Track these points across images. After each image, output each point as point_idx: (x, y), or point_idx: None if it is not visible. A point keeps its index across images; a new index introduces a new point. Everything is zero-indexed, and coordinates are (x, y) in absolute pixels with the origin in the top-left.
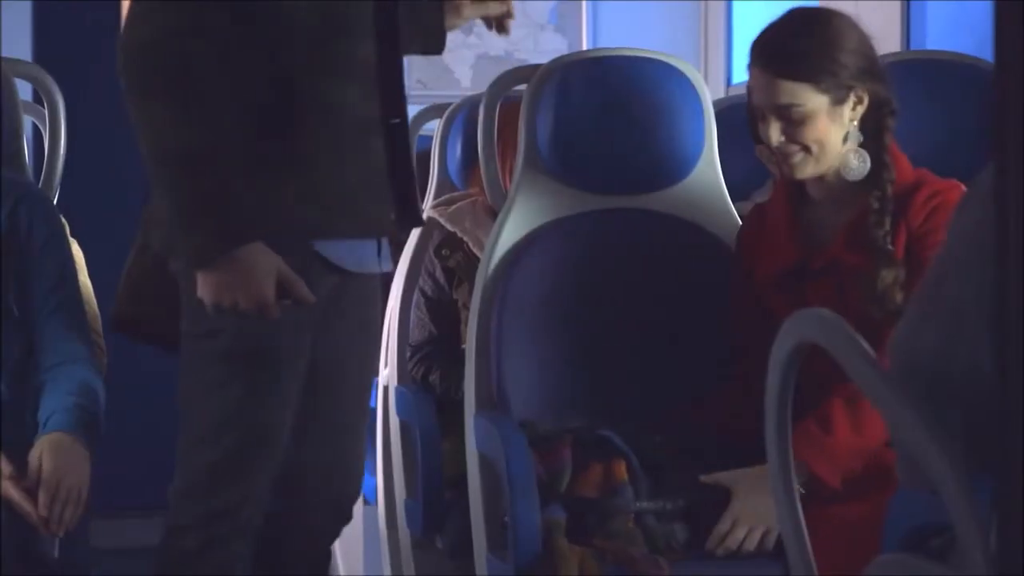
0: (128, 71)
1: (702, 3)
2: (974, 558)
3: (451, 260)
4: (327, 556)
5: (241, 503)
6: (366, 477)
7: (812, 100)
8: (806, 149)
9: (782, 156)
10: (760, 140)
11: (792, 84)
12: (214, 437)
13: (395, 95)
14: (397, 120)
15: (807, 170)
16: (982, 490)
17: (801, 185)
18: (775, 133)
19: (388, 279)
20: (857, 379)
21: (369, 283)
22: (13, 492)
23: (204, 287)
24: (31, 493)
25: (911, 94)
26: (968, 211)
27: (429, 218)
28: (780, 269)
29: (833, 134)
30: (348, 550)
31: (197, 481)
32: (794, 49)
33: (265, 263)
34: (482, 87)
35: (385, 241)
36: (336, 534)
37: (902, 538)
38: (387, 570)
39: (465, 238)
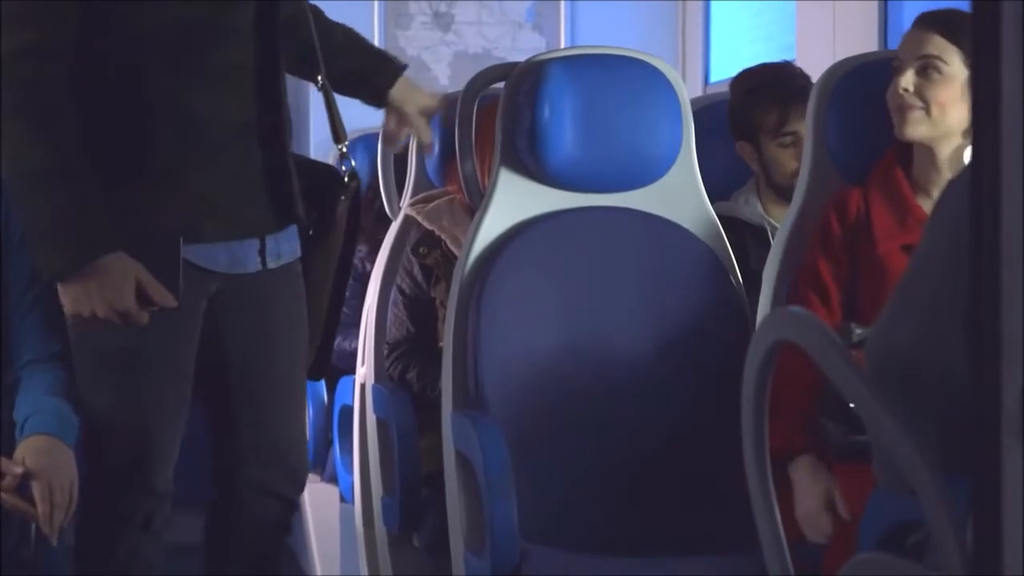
0: None
1: (680, 2)
2: (950, 557)
3: (429, 258)
4: (277, 547)
5: (130, 502)
6: (342, 475)
7: (955, 64)
8: (926, 108)
9: (901, 108)
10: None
11: (944, 41)
12: (96, 429)
13: (271, 96)
14: (269, 120)
15: (919, 129)
16: (958, 489)
17: (909, 173)
18: (905, 82)
19: (366, 275)
20: (833, 377)
21: (262, 281)
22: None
23: (63, 298)
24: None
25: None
26: (943, 210)
27: (407, 216)
28: (915, 241)
29: (956, 109)
30: (325, 548)
31: (92, 476)
32: (959, 17)
33: (121, 272)
34: (459, 85)
35: (278, 239)
36: (284, 521)
37: (879, 536)
38: (364, 567)
39: (443, 236)
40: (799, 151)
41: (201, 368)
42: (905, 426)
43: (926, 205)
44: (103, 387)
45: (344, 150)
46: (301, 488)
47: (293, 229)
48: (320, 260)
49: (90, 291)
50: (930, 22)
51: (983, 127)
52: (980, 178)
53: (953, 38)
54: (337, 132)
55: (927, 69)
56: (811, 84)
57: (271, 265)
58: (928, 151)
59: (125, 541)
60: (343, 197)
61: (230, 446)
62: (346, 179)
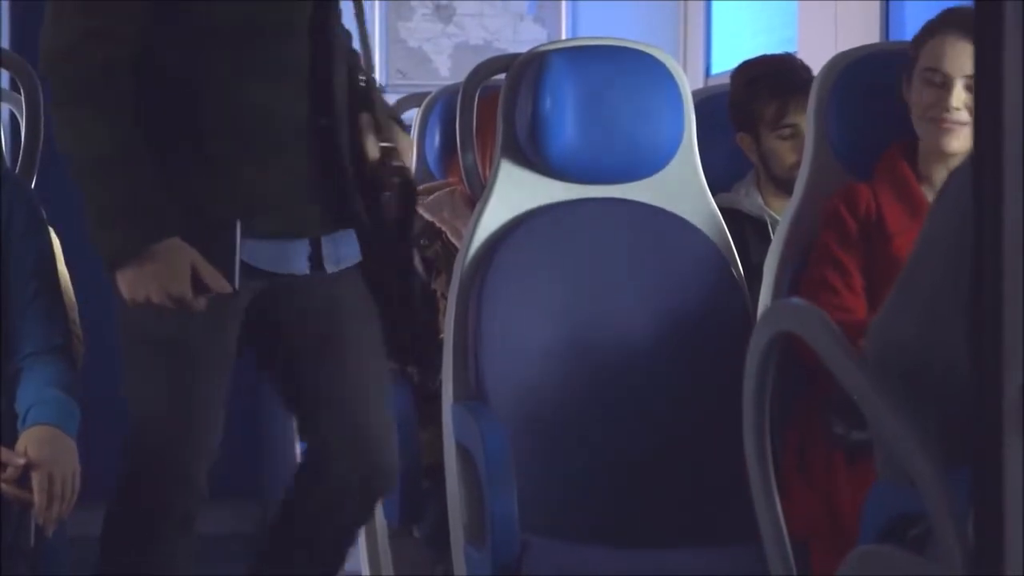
0: (47, 75)
1: None
2: (951, 550)
3: (429, 250)
4: (350, 538)
5: (168, 494)
6: None
7: None
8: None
9: (952, 125)
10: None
11: None
12: (138, 423)
13: (325, 96)
14: (325, 121)
15: (966, 144)
16: (959, 482)
17: (913, 164)
18: (957, 100)
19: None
20: (835, 369)
21: (320, 283)
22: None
23: (120, 284)
24: (18, 485)
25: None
26: (944, 202)
27: None
28: None
29: None
30: None
31: (128, 469)
32: None
33: (177, 257)
34: (461, 77)
35: (336, 242)
36: (361, 518)
37: (880, 529)
38: (364, 560)
39: (443, 228)
40: (798, 144)
41: (275, 371)
42: (906, 418)
43: (931, 194)
44: (146, 376)
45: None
46: (391, 481)
47: (351, 233)
48: (372, 259)
49: (146, 276)
50: (970, 32)
51: (986, 121)
52: (982, 171)
53: None
54: (380, 128)
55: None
56: (812, 76)
57: (329, 269)
58: (940, 148)
59: (162, 540)
60: (387, 192)
61: (315, 445)
62: (391, 173)
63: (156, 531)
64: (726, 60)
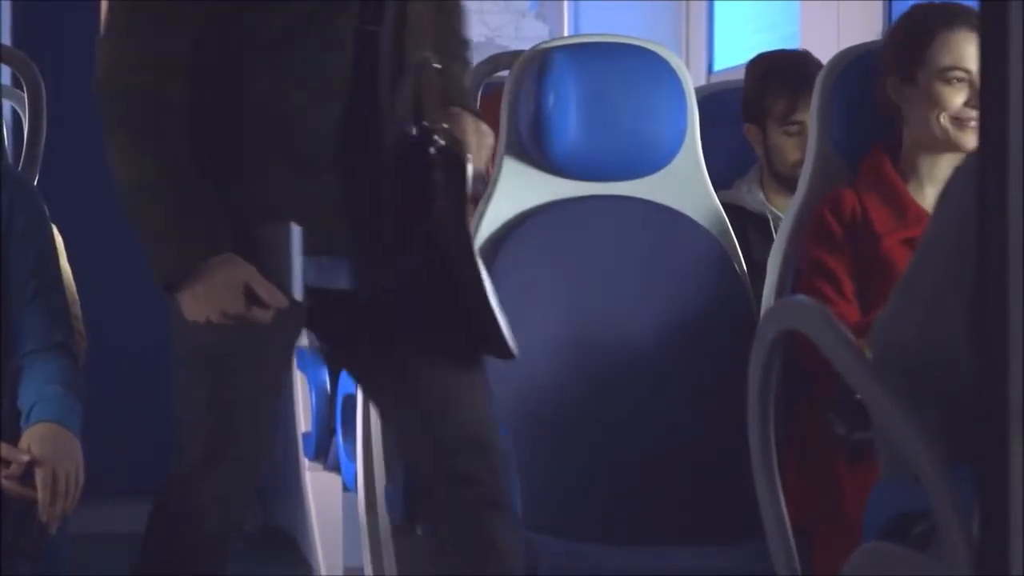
0: (100, 106)
1: None
2: (956, 547)
3: None
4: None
5: (203, 513)
6: (345, 464)
7: None
8: None
9: (962, 122)
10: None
11: None
12: (181, 436)
13: (369, 114)
14: (369, 139)
15: (974, 140)
16: (962, 479)
17: (895, 164)
18: (971, 97)
19: None
20: (839, 366)
21: (373, 294)
22: (8, 483)
23: (181, 307)
24: (21, 482)
25: None
26: (948, 200)
27: None
28: (915, 234)
29: None
30: (327, 537)
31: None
32: None
33: (229, 274)
34: None
35: (377, 260)
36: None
37: (884, 526)
38: (366, 556)
39: None
40: (803, 141)
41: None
42: (910, 416)
43: (918, 195)
44: (191, 390)
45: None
46: (496, 474)
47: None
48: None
49: (199, 296)
50: None
51: (991, 120)
52: (987, 169)
53: None
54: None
55: None
56: None
57: (376, 284)
58: (932, 151)
59: (199, 554)
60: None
61: (413, 451)
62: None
63: (192, 543)
64: (729, 57)
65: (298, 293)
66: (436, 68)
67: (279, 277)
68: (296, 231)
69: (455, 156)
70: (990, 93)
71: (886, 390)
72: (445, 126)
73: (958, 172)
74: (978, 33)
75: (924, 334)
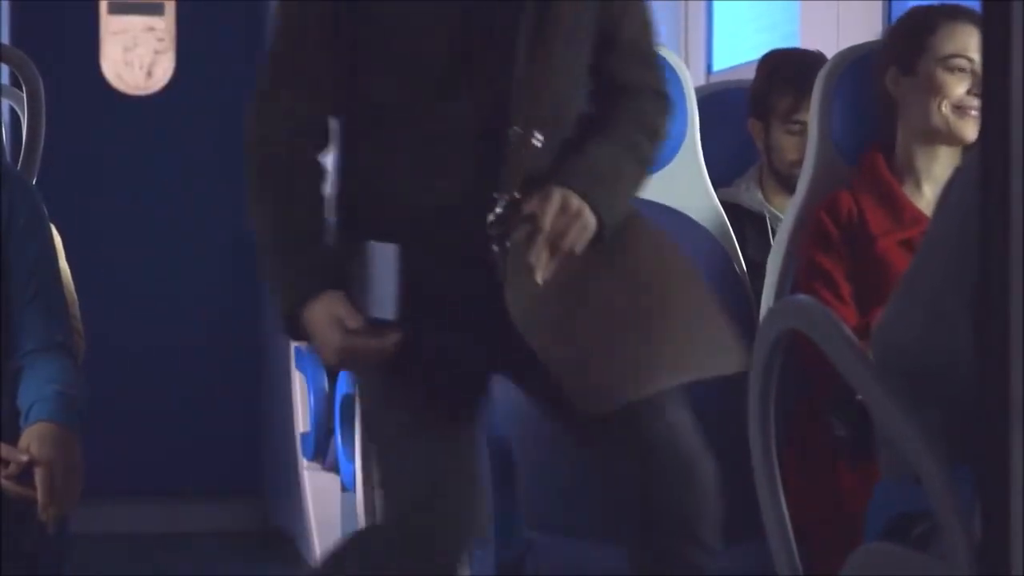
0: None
1: None
2: (957, 546)
3: None
4: None
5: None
6: (344, 464)
7: None
8: None
9: (963, 110)
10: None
11: None
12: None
13: (489, 167)
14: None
15: (977, 132)
16: (963, 479)
17: (891, 164)
18: (972, 86)
19: None
20: (840, 367)
21: None
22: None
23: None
24: (20, 481)
25: None
26: (949, 201)
27: None
28: (912, 235)
29: None
30: (325, 536)
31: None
32: None
33: (320, 317)
34: None
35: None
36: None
37: (884, 527)
38: None
39: None
40: (803, 142)
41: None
42: (911, 416)
43: (914, 195)
44: (382, 447)
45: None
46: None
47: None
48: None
49: (315, 343)
50: None
51: (992, 120)
52: (988, 170)
53: None
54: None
55: None
56: None
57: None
58: (929, 145)
59: None
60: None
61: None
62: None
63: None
64: (728, 57)
65: (390, 312)
66: (530, 141)
67: (388, 294)
68: (395, 250)
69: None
70: (992, 93)
71: (887, 390)
72: (524, 203)
73: (958, 172)
74: (980, 32)
75: (925, 335)
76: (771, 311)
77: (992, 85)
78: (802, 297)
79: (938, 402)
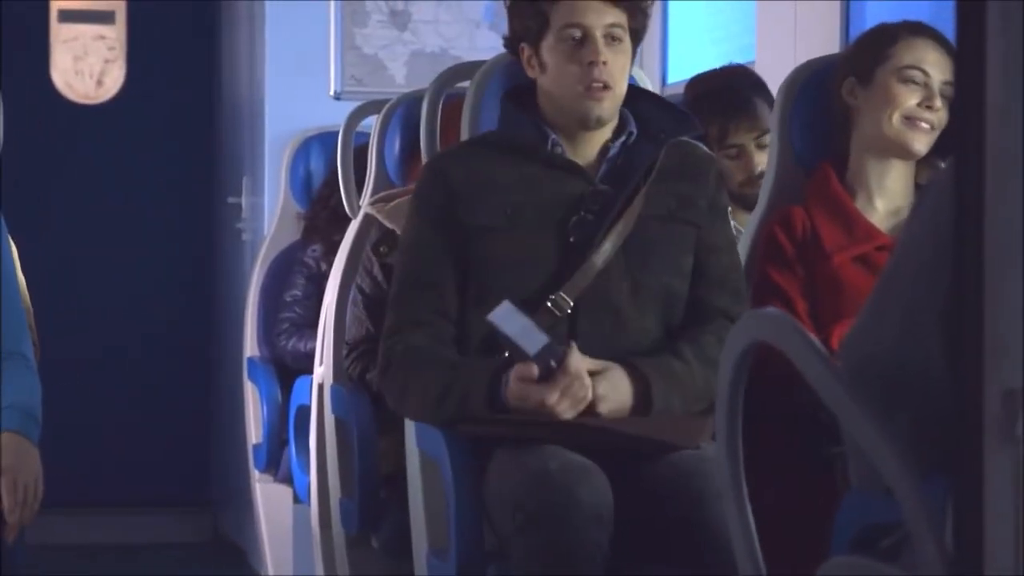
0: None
1: None
2: (928, 558)
3: (389, 257)
4: None
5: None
6: (298, 476)
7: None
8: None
9: (928, 124)
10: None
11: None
12: None
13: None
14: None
15: (928, 146)
16: (935, 490)
17: (843, 179)
18: (937, 99)
19: (320, 275)
20: (810, 378)
21: None
22: None
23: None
24: None
25: None
26: (920, 213)
27: (367, 215)
28: (866, 250)
29: None
30: (277, 548)
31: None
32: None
33: (514, 392)
34: (416, 84)
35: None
36: None
37: (852, 539)
38: (319, 568)
39: None
40: (745, 162)
41: None
42: (883, 427)
43: (866, 209)
44: None
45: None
46: None
47: None
48: None
49: (540, 413)
50: (946, 45)
51: (966, 129)
52: (964, 180)
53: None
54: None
55: (945, 92)
56: (760, 92)
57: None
58: (882, 158)
59: None
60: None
61: None
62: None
63: None
64: (682, 69)
65: (541, 340)
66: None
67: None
68: (507, 303)
69: None
70: (966, 105)
71: (858, 401)
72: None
73: (930, 186)
74: (955, 40)
75: (898, 345)
76: (739, 323)
77: (966, 90)
78: (772, 309)
79: (910, 412)
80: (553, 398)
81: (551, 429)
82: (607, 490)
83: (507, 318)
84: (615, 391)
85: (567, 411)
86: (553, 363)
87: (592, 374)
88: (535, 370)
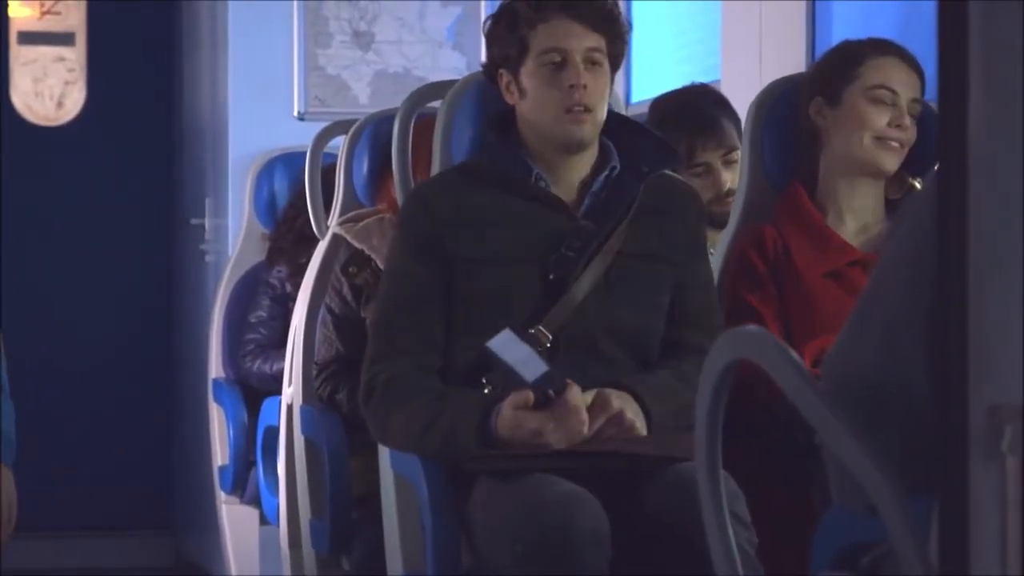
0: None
1: None
2: (913, 573)
3: (358, 277)
4: None
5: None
6: (266, 497)
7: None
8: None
9: (897, 143)
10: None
11: (920, 84)
12: None
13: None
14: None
15: (898, 164)
16: (918, 507)
17: (813, 197)
18: (906, 118)
19: (286, 296)
20: (792, 395)
21: None
22: None
23: None
24: None
25: None
26: (899, 231)
27: (335, 235)
28: (838, 266)
29: None
30: (244, 569)
31: None
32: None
33: (506, 420)
34: (380, 104)
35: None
36: None
37: (832, 557)
38: None
39: (373, 255)
40: (713, 180)
41: None
42: (866, 444)
43: (837, 226)
44: None
45: None
46: None
47: None
48: None
49: (531, 444)
50: (913, 63)
51: (949, 145)
52: (947, 195)
53: (923, 81)
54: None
55: (913, 110)
56: (724, 110)
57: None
58: (852, 177)
59: None
60: None
61: None
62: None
63: None
64: (647, 89)
65: (540, 368)
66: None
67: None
68: (507, 331)
69: None
70: (948, 117)
71: (840, 418)
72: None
73: (910, 202)
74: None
75: (881, 362)
76: (720, 341)
77: (949, 101)
78: (753, 327)
79: (892, 430)
80: (548, 426)
81: (546, 460)
82: (603, 515)
83: (507, 346)
84: (636, 412)
85: (560, 442)
86: (551, 392)
87: (590, 406)
88: (531, 397)
